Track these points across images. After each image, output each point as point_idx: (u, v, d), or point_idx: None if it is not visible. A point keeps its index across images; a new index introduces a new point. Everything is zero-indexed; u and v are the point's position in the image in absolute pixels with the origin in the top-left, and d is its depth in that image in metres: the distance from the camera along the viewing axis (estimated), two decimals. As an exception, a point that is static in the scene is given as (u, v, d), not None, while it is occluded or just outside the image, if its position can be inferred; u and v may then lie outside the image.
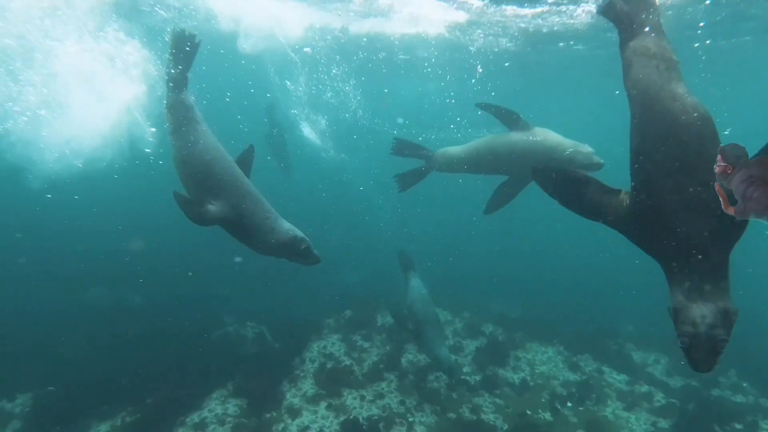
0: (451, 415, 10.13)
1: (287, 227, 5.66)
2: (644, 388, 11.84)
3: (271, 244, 5.51)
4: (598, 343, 13.98)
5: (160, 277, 16.79)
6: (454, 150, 8.54)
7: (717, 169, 2.73)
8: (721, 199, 2.78)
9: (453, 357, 9.73)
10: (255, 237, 5.52)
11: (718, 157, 2.73)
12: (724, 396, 11.72)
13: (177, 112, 5.91)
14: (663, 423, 10.48)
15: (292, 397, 10.14)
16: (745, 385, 12.32)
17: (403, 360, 11.87)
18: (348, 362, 11.49)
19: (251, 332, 13.60)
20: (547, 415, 10.55)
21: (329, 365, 11.34)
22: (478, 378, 11.56)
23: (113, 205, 21.31)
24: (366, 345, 12.53)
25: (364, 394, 10.37)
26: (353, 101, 20.59)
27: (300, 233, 5.62)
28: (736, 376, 12.78)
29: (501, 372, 11.94)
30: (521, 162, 7.34)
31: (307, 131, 19.70)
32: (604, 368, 12.62)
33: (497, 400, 10.83)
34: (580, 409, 10.86)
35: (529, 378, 11.80)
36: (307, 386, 10.47)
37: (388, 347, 12.44)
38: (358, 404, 10.02)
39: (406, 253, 11.78)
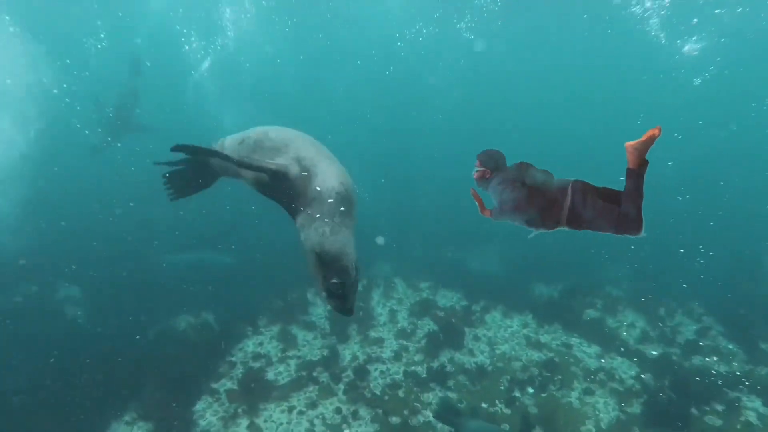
0: (394, 419, 8.97)
1: (337, 177, 4.09)
2: (616, 362, 10.63)
3: (308, 200, 4.07)
4: (571, 306, 12.70)
5: (103, 264, 15.45)
6: None
7: (475, 175, 2.76)
8: (477, 203, 2.74)
9: None
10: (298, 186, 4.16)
11: (477, 162, 2.76)
12: (706, 365, 10.50)
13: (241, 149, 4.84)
14: (634, 407, 9.32)
15: (212, 416, 8.94)
16: (731, 347, 11.07)
17: (346, 353, 10.63)
18: (280, 366, 10.22)
19: (193, 325, 12.26)
20: (504, 407, 9.39)
21: (259, 368, 10.09)
22: (433, 365, 10.34)
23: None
24: (308, 337, 11.24)
25: (294, 404, 9.16)
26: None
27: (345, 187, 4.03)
28: (721, 336, 11.52)
29: (457, 357, 10.71)
30: None
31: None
32: (574, 340, 11.37)
33: (449, 394, 9.65)
34: (543, 395, 9.69)
35: (487, 361, 10.58)
36: (230, 400, 9.24)
37: (334, 338, 11.16)
38: (285, 419, 8.83)
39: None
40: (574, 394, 9.70)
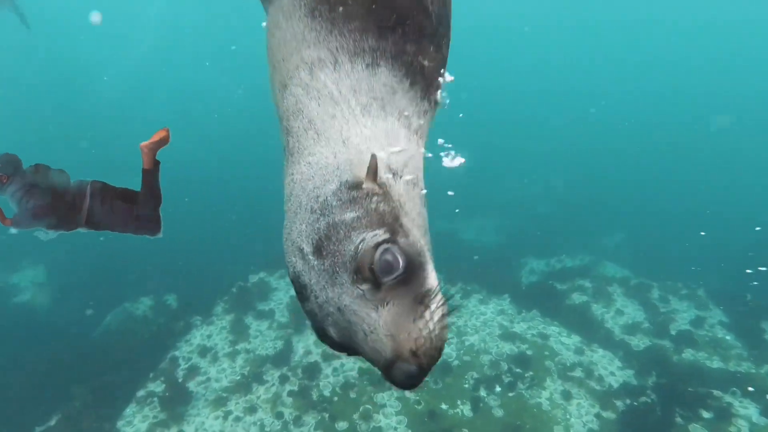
0: (341, 424, 8.14)
1: None
2: (597, 355, 9.56)
3: None
4: (557, 287, 11.55)
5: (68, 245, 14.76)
6: None
7: None
8: None
9: None
10: None
11: None
12: (698, 360, 9.35)
13: None
14: (610, 411, 8.30)
15: (140, 422, 8.22)
16: (728, 338, 9.87)
17: (299, 347, 9.75)
18: (225, 362, 9.41)
19: (147, 314, 11.49)
20: (467, 409, 8.46)
21: (201, 365, 9.30)
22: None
23: None
24: (261, 327, 10.38)
25: (231, 408, 8.37)
26: None
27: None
28: (719, 326, 10.28)
29: (421, 349, 9.72)
30: None
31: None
32: (552, 329, 10.28)
33: (406, 393, 8.74)
34: (510, 395, 8.72)
35: (454, 355, 9.60)
36: (162, 404, 8.48)
37: (289, 330, 10.25)
38: (218, 426, 8.06)
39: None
40: (545, 395, 8.71)
